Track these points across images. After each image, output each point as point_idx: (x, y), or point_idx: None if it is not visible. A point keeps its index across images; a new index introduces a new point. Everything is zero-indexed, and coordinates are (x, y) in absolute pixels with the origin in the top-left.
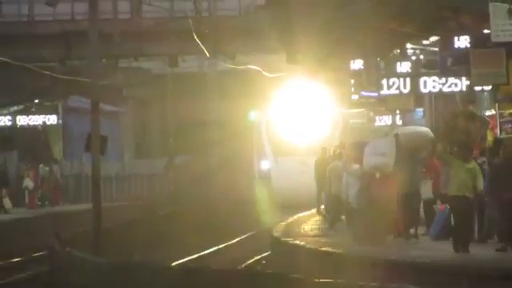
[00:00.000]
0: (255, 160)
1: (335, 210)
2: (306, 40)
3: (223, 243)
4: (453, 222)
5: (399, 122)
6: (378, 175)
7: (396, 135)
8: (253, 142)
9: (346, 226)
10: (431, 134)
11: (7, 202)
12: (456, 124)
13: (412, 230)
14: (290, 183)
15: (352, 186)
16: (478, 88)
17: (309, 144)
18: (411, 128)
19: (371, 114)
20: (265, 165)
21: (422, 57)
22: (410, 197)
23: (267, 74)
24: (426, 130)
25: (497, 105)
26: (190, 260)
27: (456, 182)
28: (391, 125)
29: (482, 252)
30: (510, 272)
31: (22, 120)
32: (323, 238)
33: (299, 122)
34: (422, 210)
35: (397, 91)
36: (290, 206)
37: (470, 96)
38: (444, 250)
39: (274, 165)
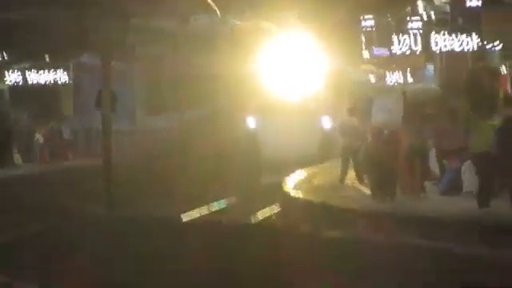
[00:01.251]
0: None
1: (344, 164)
2: None
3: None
4: (477, 179)
5: (410, 79)
6: (385, 131)
7: (404, 92)
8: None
9: (357, 180)
10: (439, 91)
11: (17, 158)
12: (480, 80)
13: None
14: (277, 142)
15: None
16: (488, 46)
17: (299, 102)
18: (420, 86)
19: (381, 71)
20: (251, 122)
21: (433, 16)
22: (417, 151)
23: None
24: (435, 88)
25: (507, 62)
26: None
27: (483, 139)
28: (402, 83)
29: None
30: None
31: (34, 77)
32: (333, 193)
33: (289, 77)
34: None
35: (408, 49)
36: (277, 164)
37: (481, 53)
38: (455, 204)
39: (261, 123)
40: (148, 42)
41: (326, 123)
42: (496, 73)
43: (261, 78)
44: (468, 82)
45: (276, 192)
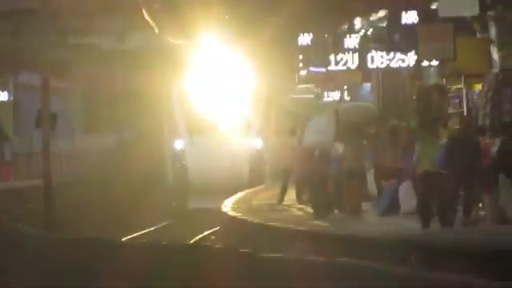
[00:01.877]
0: (168, 138)
1: (283, 185)
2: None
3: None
4: (418, 198)
5: (347, 97)
6: (316, 152)
7: (336, 111)
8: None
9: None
10: (374, 109)
11: None
12: (429, 98)
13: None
14: (205, 164)
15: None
16: (425, 63)
17: (229, 122)
18: (353, 104)
19: (319, 89)
20: (179, 144)
21: (369, 32)
22: (354, 172)
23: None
24: (367, 104)
25: (444, 80)
26: (140, 236)
27: (428, 158)
28: (339, 100)
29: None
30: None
31: None
32: (272, 213)
33: (221, 98)
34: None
35: (344, 67)
36: (205, 189)
37: (417, 71)
38: (396, 225)
39: (189, 144)
40: (85, 60)
41: (257, 144)
42: (444, 91)
43: (192, 97)
44: (417, 100)
45: (206, 216)
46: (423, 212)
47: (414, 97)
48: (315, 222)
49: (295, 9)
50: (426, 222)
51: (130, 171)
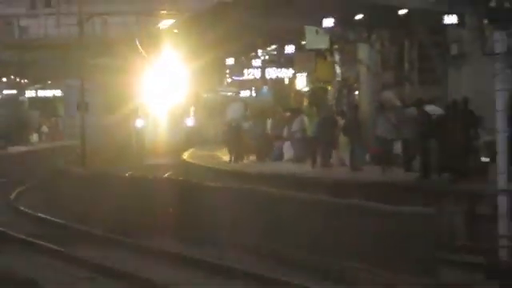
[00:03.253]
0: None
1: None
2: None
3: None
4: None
5: (254, 94)
6: (233, 124)
7: (245, 101)
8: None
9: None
10: (270, 101)
11: (32, 138)
12: (318, 94)
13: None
14: (156, 136)
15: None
16: (299, 74)
17: (173, 108)
18: (257, 98)
19: (237, 89)
20: (139, 123)
21: (267, 57)
22: (259, 138)
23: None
24: (267, 98)
25: (310, 85)
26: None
27: (310, 129)
28: (249, 95)
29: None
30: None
31: (41, 93)
32: (209, 160)
33: (166, 93)
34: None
35: (252, 77)
36: (157, 152)
37: (293, 79)
38: (283, 166)
39: (146, 123)
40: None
41: (190, 123)
42: (326, 90)
43: (147, 94)
44: (311, 96)
45: (159, 167)
46: (313, 157)
47: (308, 93)
48: (232, 165)
49: (224, 46)
50: (313, 162)
51: (115, 140)
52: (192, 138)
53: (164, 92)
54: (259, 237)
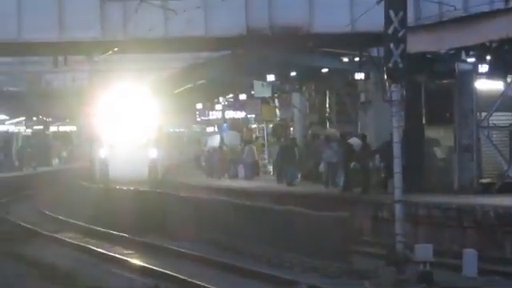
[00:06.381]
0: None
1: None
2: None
3: None
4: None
5: (216, 130)
6: (211, 150)
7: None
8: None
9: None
10: (238, 136)
11: (53, 162)
12: (279, 128)
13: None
14: (119, 165)
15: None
16: (250, 115)
17: (136, 140)
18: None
19: (204, 126)
20: (103, 153)
21: (226, 103)
22: (233, 158)
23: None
24: (235, 133)
25: (257, 123)
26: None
27: (274, 154)
28: (213, 131)
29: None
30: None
31: (52, 128)
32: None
33: (131, 125)
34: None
35: (215, 117)
36: (120, 181)
37: (245, 120)
38: (254, 183)
39: (110, 153)
40: None
41: (153, 153)
42: (282, 126)
43: (115, 125)
44: (272, 130)
45: None
46: (278, 174)
47: (272, 128)
48: (209, 181)
49: (195, 95)
50: (279, 178)
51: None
52: (155, 169)
53: (129, 124)
54: (219, 233)
